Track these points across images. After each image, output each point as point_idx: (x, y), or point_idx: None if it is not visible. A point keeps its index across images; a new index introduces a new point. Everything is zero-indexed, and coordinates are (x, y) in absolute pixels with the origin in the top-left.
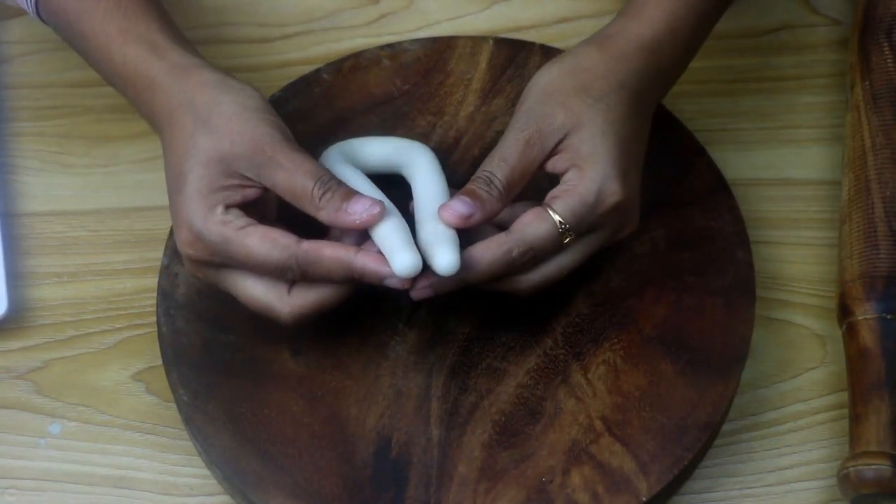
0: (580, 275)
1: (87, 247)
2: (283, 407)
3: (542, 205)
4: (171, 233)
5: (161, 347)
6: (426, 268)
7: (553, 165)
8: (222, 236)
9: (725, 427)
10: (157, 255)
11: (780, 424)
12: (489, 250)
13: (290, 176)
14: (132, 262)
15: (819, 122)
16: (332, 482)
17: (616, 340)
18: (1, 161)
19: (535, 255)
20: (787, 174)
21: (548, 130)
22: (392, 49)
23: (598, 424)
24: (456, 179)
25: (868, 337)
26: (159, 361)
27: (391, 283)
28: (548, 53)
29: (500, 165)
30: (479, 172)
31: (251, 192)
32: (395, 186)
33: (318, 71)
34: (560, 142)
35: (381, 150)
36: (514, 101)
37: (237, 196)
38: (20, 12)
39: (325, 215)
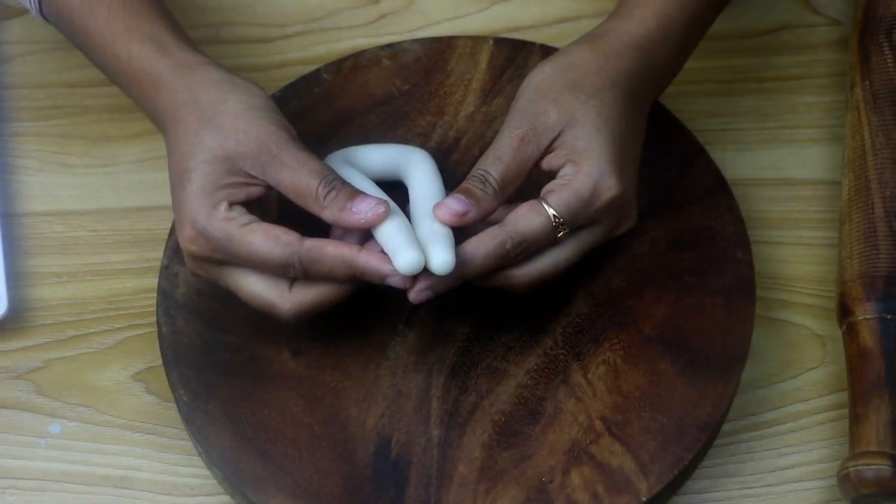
0: (580, 275)
1: (87, 247)
2: (283, 407)
3: (536, 198)
4: (172, 233)
5: (161, 347)
6: (424, 269)
7: (549, 162)
8: (225, 233)
9: (725, 427)
10: (157, 255)
11: (780, 424)
12: (483, 244)
13: (295, 174)
14: (132, 262)
15: (819, 122)
16: (332, 482)
17: (616, 340)
18: (1, 161)
19: (528, 248)
20: (787, 174)
21: (542, 128)
22: (392, 49)
23: (598, 424)
24: (456, 179)
25: (868, 337)
26: (159, 361)
27: (393, 281)
28: (548, 53)
29: (495, 164)
30: (474, 171)
31: (255, 191)
32: (395, 190)
33: (318, 71)
34: (554, 139)
35: (382, 156)
36: None
37: (241, 194)
38: (20, 12)
39: (329, 214)
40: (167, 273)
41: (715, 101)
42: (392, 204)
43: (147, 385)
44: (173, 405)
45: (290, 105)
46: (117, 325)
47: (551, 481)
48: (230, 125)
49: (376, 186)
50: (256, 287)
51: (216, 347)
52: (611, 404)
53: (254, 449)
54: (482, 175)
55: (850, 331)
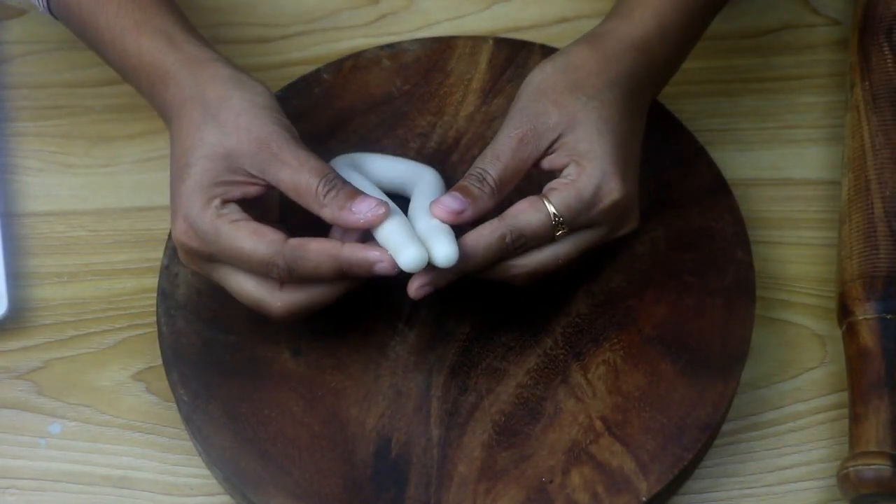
0: (580, 275)
1: (87, 247)
2: (283, 407)
3: (538, 195)
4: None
5: (161, 347)
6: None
7: (550, 162)
8: (214, 228)
9: (725, 427)
10: (157, 255)
11: (780, 424)
12: (483, 237)
13: (295, 172)
14: (132, 262)
15: (819, 122)
16: (332, 482)
17: (616, 340)
18: (1, 161)
19: (526, 243)
20: (787, 174)
21: (542, 129)
22: (392, 49)
23: (598, 424)
24: (456, 180)
25: (868, 337)
26: (159, 361)
27: (381, 268)
28: (548, 53)
29: (493, 163)
30: (472, 169)
31: (253, 190)
32: (396, 195)
33: (318, 71)
34: (555, 140)
35: (392, 169)
36: None
37: (237, 192)
38: (20, 12)
39: (328, 213)
40: (167, 273)
41: (715, 101)
42: (392, 205)
43: (147, 385)
44: (173, 405)
45: (290, 105)
46: (117, 325)
47: (551, 481)
48: (232, 123)
49: (378, 189)
50: (247, 284)
51: (216, 347)
52: (611, 404)
53: (254, 449)
54: (480, 174)
55: (849, 331)
